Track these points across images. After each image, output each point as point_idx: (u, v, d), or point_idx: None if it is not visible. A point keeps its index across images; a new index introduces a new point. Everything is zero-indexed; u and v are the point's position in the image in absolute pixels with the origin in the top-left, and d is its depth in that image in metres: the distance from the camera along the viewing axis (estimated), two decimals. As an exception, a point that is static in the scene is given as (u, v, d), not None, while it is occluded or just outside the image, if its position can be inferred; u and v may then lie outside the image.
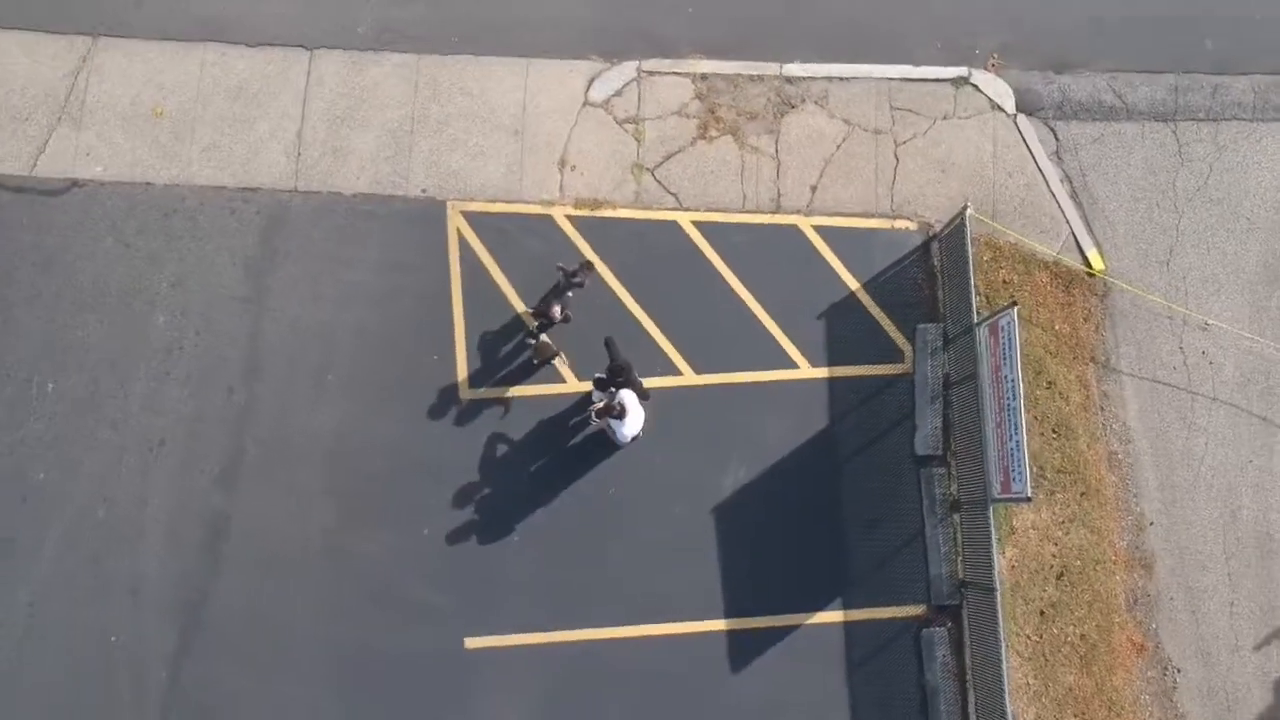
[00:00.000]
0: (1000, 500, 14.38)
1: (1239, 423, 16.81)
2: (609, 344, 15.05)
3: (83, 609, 15.43)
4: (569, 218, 16.71)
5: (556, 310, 15.58)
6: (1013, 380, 14.07)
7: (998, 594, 14.61)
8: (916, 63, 17.39)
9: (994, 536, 14.75)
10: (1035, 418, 16.37)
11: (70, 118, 16.78)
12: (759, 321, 16.51)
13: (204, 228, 16.53)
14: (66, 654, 15.33)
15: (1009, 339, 14.09)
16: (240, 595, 15.59)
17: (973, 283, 15.42)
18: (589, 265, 15.87)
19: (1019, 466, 13.84)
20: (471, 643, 15.55)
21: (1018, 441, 13.91)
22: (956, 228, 15.89)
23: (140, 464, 15.80)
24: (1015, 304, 14.26)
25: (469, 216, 16.69)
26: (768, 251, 16.76)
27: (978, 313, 15.50)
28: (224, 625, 15.49)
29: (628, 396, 15.00)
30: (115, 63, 17.05)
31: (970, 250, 15.58)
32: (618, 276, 16.46)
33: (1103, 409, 16.77)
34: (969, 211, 15.58)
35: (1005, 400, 14.23)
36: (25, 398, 15.91)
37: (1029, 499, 13.95)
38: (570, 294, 15.73)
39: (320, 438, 16.02)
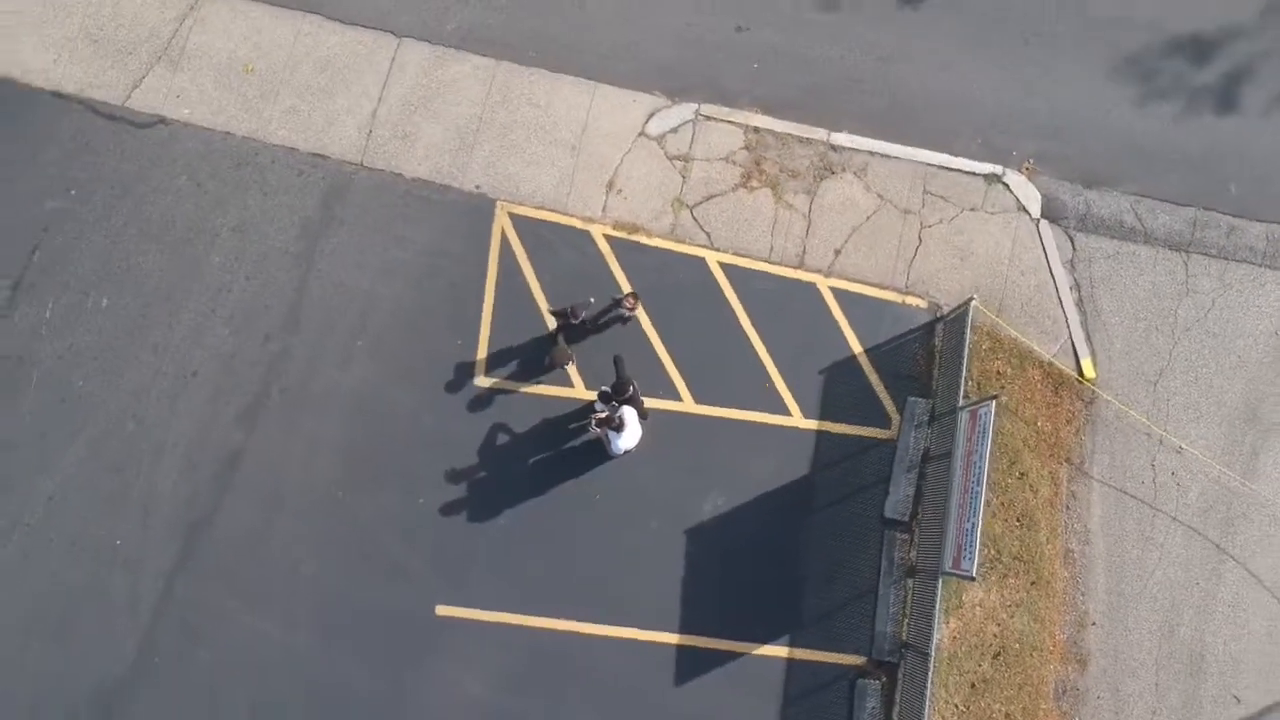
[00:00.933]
0: (949, 574, 15.34)
1: (1193, 546, 17.69)
2: (618, 362, 16.11)
3: (96, 511, 16.59)
4: (606, 237, 17.78)
5: (578, 310, 16.72)
6: (980, 467, 15.05)
7: (932, 660, 15.62)
8: (955, 154, 18.35)
9: (939, 606, 15.75)
10: (1003, 504, 17.34)
11: (169, 60, 18.01)
12: (763, 365, 17.52)
13: (271, 183, 17.72)
14: (74, 550, 16.50)
15: (984, 428, 15.06)
16: (240, 526, 16.70)
17: (965, 370, 16.39)
18: (634, 296, 16.96)
19: (970, 547, 14.82)
20: (442, 610, 16.61)
21: (974, 524, 14.89)
22: (961, 315, 16.88)
23: (172, 389, 16.99)
24: (997, 397, 15.24)
25: (514, 219, 17.79)
26: (784, 302, 17.76)
27: (965, 397, 16.50)
28: (220, 551, 16.60)
29: (628, 412, 16.06)
30: (220, 16, 18.27)
31: (969, 339, 16.56)
32: (640, 300, 17.45)
33: (1068, 508, 17.70)
34: (974, 303, 16.57)
35: (971, 484, 15.20)
36: (80, 309, 17.12)
37: (973, 578, 14.92)
38: (593, 300, 16.91)
39: (340, 396, 17.14)
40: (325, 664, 16.38)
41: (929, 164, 18.32)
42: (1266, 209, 18.55)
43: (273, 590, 16.57)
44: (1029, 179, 18.41)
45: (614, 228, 17.83)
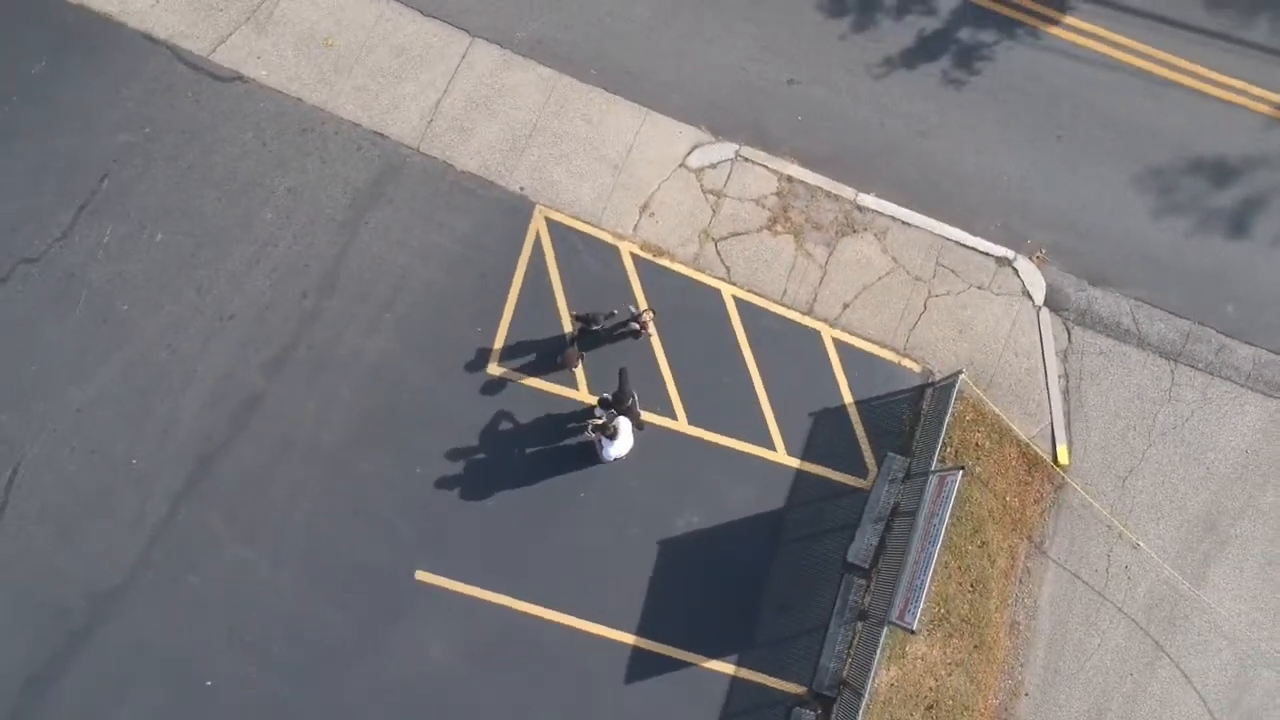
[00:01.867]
0: (893, 624, 16.30)
1: (1134, 638, 18.59)
2: (622, 374, 17.10)
3: (119, 429, 17.63)
4: (632, 255, 18.79)
5: (599, 317, 17.76)
6: (938, 530, 16.00)
7: (865, 701, 16.60)
8: (974, 232, 19.31)
9: (880, 651, 16.71)
10: (960, 567, 18.28)
11: (256, 22, 19.13)
12: (757, 399, 18.50)
13: (331, 152, 18.78)
14: (92, 460, 17.55)
15: (948, 495, 16.02)
16: (248, 465, 17.71)
17: (943, 437, 17.37)
18: (652, 313, 17.95)
19: (916, 602, 15.79)
20: (421, 575, 17.59)
21: (923, 581, 15.86)
22: (949, 385, 17.83)
23: (208, 328, 18.04)
24: (964, 468, 16.22)
25: (550, 223, 18.82)
26: (787, 344, 18.73)
27: (939, 462, 17.47)
28: (226, 484, 17.61)
29: (623, 423, 17.05)
30: (309, -12, 19.44)
31: (952, 409, 17.52)
32: (654, 320, 18.39)
33: (1021, 582, 18.62)
34: (962, 377, 17.54)
35: (928, 544, 16.17)
36: (136, 239, 18.20)
37: (913, 631, 15.90)
38: (615, 312, 17.94)
39: (362, 360, 18.14)
40: (305, 605, 17.38)
41: (946, 238, 19.26)
42: (1259, 334, 19.45)
43: (267, 529, 17.57)
44: (1038, 267, 19.34)
45: (641, 248, 18.84)
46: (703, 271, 18.91)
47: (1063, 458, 18.86)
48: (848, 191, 19.29)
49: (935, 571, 17.22)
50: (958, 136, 19.66)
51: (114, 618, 17.14)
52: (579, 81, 19.35)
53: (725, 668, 17.82)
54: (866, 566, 18.13)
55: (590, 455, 17.87)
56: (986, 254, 19.31)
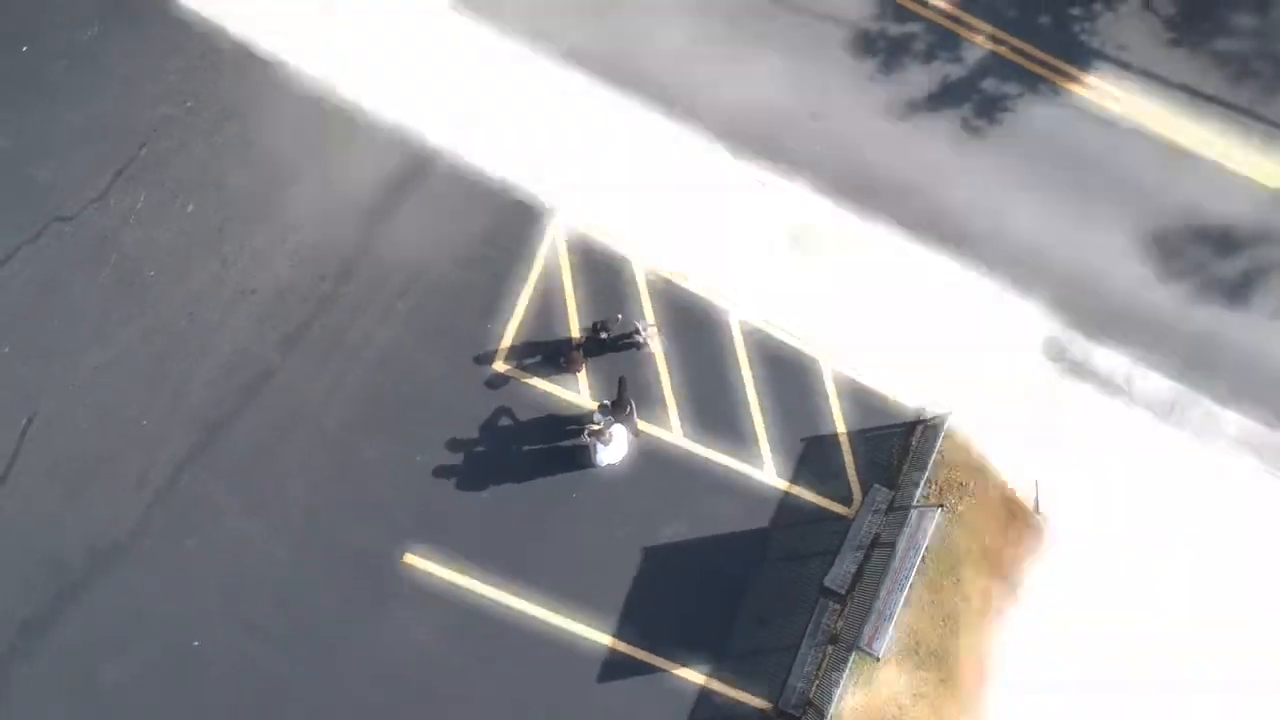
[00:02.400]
0: (861, 650, 16.79)
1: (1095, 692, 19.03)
2: (621, 383, 17.63)
3: (133, 391, 18.12)
4: (645, 269, 19.31)
5: (608, 325, 18.33)
6: (912, 563, 16.49)
7: (827, 721, 17.13)
8: (980, 275, 19.79)
9: (846, 676, 17.20)
10: (934, 602, 18.71)
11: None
12: (752, 420, 18.99)
13: (364, 144, 19.24)
14: (103, 418, 18.03)
15: (925, 530, 16.51)
16: (254, 436, 18.17)
17: (927, 474, 17.84)
18: (656, 327, 18.49)
19: (884, 632, 16.29)
20: (410, 558, 18.07)
21: (893, 612, 16.35)
22: (937, 424, 18.30)
23: (229, 301, 18.54)
24: (943, 506, 16.71)
25: (570, 231, 19.30)
26: (788, 370, 19.23)
27: (922, 498, 17.94)
28: (230, 454, 18.06)
29: (618, 430, 17.61)
30: (358, -19, 20.00)
31: (938, 447, 17.99)
32: (660, 334, 18.98)
33: (992, 622, 19.06)
34: (952, 417, 18.01)
35: (901, 577, 16.65)
36: (168, 208, 18.72)
37: (878, 659, 16.41)
38: (620, 316, 18.52)
39: (373, 346, 18.62)
40: (295, 576, 17.83)
41: (952, 280, 19.74)
42: (1247, 404, 19.89)
43: (266, 500, 18.04)
44: (1039, 318, 19.76)
45: (654, 263, 19.39)
46: (712, 292, 19.39)
47: (1044, 506, 19.28)
48: (861, 226, 19.76)
49: (909, 604, 17.78)
50: (974, 184, 20.10)
51: (112, 573, 17.59)
52: (611, 95, 19.85)
53: (696, 676, 18.29)
54: (843, 592, 18.58)
55: (585, 458, 18.32)
56: (990, 299, 19.75)
